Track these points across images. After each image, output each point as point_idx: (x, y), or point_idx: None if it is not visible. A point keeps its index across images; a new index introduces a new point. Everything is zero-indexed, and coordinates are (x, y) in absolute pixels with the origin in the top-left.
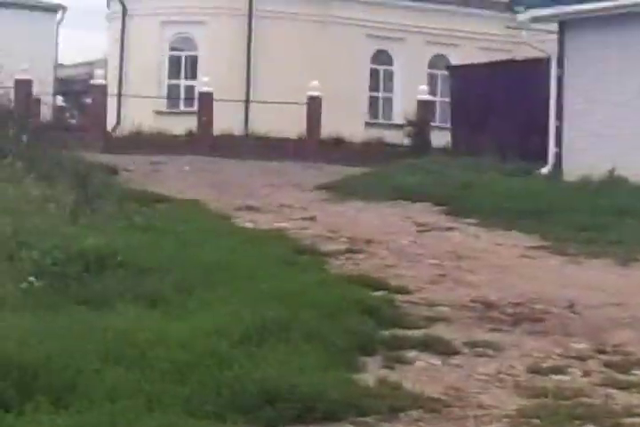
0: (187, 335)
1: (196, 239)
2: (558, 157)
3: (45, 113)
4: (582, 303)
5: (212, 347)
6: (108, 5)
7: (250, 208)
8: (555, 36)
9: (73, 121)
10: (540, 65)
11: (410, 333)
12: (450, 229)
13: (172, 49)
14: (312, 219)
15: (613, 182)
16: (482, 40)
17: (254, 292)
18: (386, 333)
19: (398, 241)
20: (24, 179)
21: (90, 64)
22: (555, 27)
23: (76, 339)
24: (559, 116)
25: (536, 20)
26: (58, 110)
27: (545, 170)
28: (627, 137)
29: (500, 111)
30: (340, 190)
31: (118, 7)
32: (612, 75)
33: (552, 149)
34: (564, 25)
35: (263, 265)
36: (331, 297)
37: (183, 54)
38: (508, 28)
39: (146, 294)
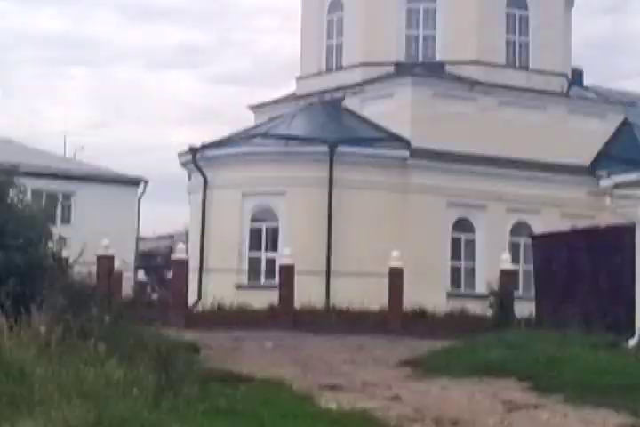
0: None
1: (278, 424)
2: None
3: (126, 288)
4: None
5: None
6: (190, 177)
7: (333, 387)
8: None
9: (154, 295)
10: (624, 232)
11: None
12: (537, 406)
13: (253, 220)
14: (396, 398)
15: None
16: (564, 206)
17: None
18: None
19: (485, 421)
20: (106, 361)
21: (171, 237)
22: (639, 193)
23: None
24: None
25: (619, 185)
26: (139, 285)
27: (632, 342)
28: None
29: (585, 280)
30: (424, 366)
31: (199, 179)
32: None
33: (639, 320)
34: None
35: None
36: None
37: (264, 226)
38: (591, 194)
39: None
